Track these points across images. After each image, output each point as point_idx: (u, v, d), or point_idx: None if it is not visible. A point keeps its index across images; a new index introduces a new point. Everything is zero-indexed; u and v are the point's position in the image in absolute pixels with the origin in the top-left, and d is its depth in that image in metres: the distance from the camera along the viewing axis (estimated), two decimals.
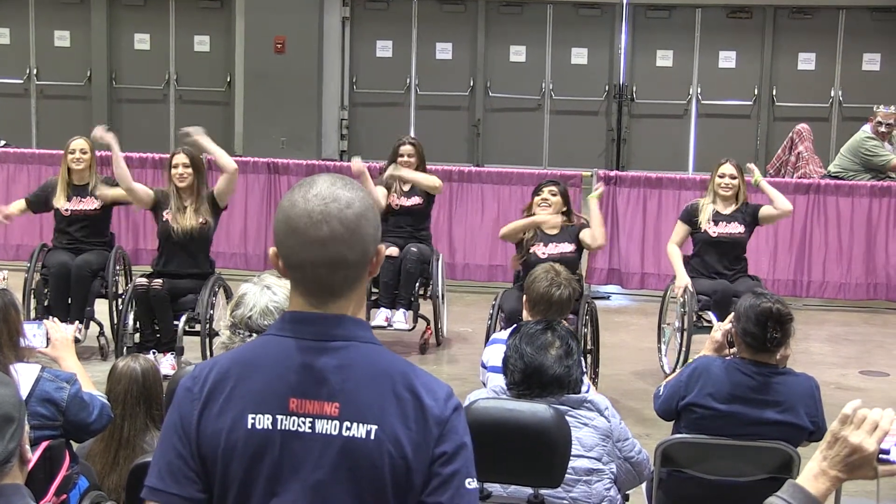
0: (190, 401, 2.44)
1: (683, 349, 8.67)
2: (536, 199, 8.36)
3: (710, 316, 8.54)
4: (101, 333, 9.09)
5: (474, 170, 12.45)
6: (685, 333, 8.68)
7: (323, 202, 2.40)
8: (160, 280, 8.50)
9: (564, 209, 8.35)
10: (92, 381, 4.79)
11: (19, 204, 9.40)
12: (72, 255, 9.04)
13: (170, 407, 2.50)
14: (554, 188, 8.38)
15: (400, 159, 9.66)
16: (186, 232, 8.56)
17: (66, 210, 9.15)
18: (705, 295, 8.68)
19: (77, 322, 8.50)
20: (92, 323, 9.04)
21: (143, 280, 8.53)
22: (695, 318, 8.63)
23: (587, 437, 4.34)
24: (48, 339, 4.81)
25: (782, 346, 4.89)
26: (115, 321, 8.88)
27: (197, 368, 2.51)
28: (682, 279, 8.72)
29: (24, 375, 4.41)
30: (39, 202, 9.31)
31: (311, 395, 2.38)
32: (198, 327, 8.42)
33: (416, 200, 9.63)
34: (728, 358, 5.01)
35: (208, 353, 8.28)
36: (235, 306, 4.06)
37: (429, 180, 9.64)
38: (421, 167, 9.70)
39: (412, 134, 17.49)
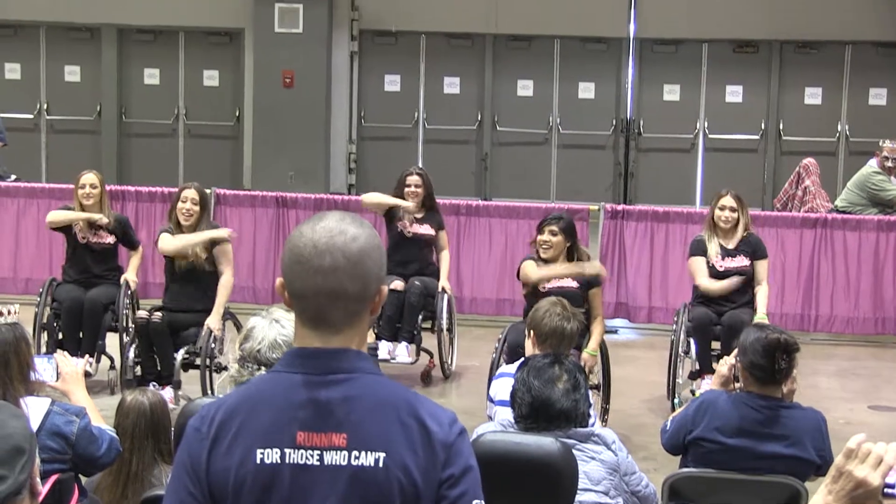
0: (199, 440, 2.48)
1: (671, 374, 8.82)
2: (539, 238, 8.23)
3: (691, 343, 8.69)
4: (112, 367, 9.10)
5: (482, 204, 12.47)
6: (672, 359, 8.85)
7: (329, 234, 2.46)
8: (160, 313, 8.52)
9: (568, 245, 8.23)
10: (101, 414, 4.81)
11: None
12: (83, 290, 9.06)
13: (179, 446, 2.54)
14: (554, 227, 8.12)
15: (407, 189, 9.64)
16: (188, 266, 8.58)
17: (83, 238, 9.16)
18: (689, 322, 8.74)
19: (88, 356, 8.53)
20: (103, 357, 9.05)
21: (144, 313, 8.54)
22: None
23: (594, 471, 4.35)
24: (58, 372, 4.83)
25: (790, 376, 4.90)
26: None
27: (205, 408, 2.55)
28: (732, 281, 8.73)
29: (35, 409, 4.43)
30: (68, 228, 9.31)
31: (319, 427, 2.43)
32: (198, 361, 8.42)
33: (427, 229, 9.62)
34: (735, 392, 5.02)
35: (208, 387, 8.28)
36: (244, 339, 4.08)
37: (447, 261, 9.74)
38: (428, 199, 9.68)
39: (418, 167, 17.54)
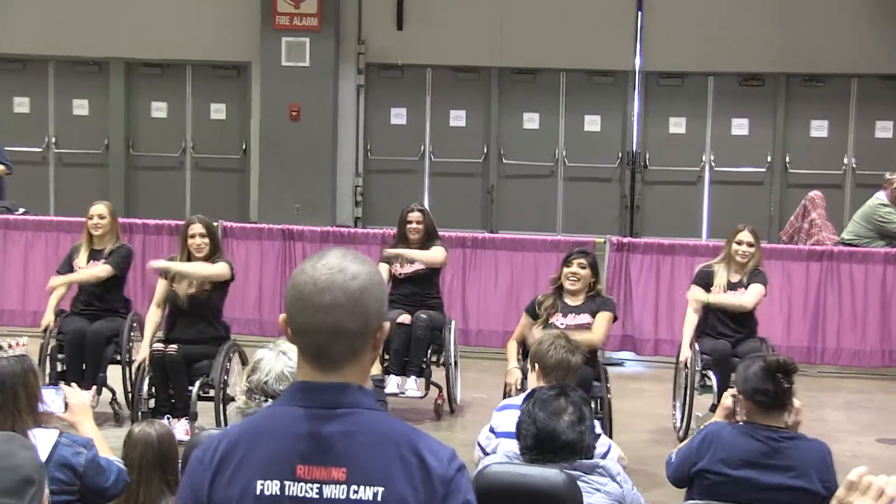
0: (202, 471, 2.53)
1: (686, 408, 8.82)
2: (566, 270, 8.32)
3: (711, 376, 8.66)
4: (114, 399, 9.13)
5: (488, 236, 12.52)
6: (687, 392, 8.84)
7: (329, 272, 2.50)
8: (175, 346, 8.56)
9: (593, 280, 8.35)
10: (108, 446, 4.83)
11: (58, 292, 9.40)
12: (87, 322, 9.12)
13: (183, 478, 2.58)
14: (583, 260, 8.29)
15: (408, 225, 9.72)
16: (190, 299, 8.61)
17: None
18: (706, 354, 8.78)
19: (91, 387, 8.58)
20: (105, 389, 9.09)
21: (160, 345, 8.58)
22: (698, 378, 8.75)
23: (599, 503, 4.37)
24: (66, 404, 4.85)
25: (792, 398, 4.92)
26: (129, 387, 8.95)
27: (209, 440, 2.60)
28: (684, 353, 8.89)
29: (42, 440, 4.46)
30: (70, 270, 9.37)
31: (318, 461, 2.46)
32: (212, 393, 8.46)
33: (416, 266, 9.67)
34: (739, 423, 5.03)
35: (222, 419, 8.31)
36: (251, 371, 4.12)
37: (430, 256, 9.64)
38: (429, 235, 9.75)
39: (426, 200, 17.63)
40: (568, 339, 5.83)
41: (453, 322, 9.89)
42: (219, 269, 8.68)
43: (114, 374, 9.13)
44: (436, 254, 9.65)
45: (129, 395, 9.00)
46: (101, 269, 9.16)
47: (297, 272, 2.54)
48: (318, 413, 2.48)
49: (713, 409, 8.81)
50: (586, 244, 11.27)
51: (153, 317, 8.78)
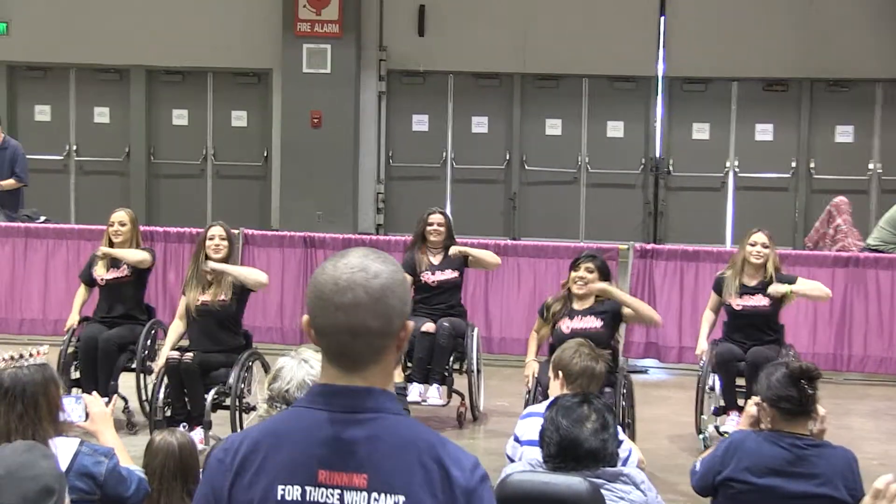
0: (222, 472, 2.51)
1: (697, 409, 9.01)
2: (573, 274, 8.33)
3: (715, 379, 8.91)
4: (127, 407, 9.17)
5: (510, 243, 12.51)
6: (697, 395, 9.04)
7: (350, 271, 2.48)
8: (191, 353, 8.58)
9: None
10: (129, 455, 4.84)
11: (80, 293, 9.58)
12: (105, 329, 9.18)
13: (202, 478, 2.57)
14: (591, 264, 8.31)
15: (429, 228, 9.78)
16: (201, 308, 8.65)
17: (102, 279, 9.38)
18: (739, 360, 8.80)
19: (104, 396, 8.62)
20: (117, 397, 9.12)
21: (176, 353, 8.61)
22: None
23: None
24: (87, 413, 4.87)
25: (816, 403, 4.90)
26: (143, 395, 9.03)
27: (228, 440, 2.59)
28: (700, 346, 8.99)
29: (63, 450, 4.47)
30: (89, 278, 9.50)
31: (340, 466, 2.44)
32: (228, 401, 8.48)
33: (449, 275, 9.71)
34: (763, 432, 5.01)
35: (238, 428, 8.32)
36: (273, 380, 4.12)
37: (492, 258, 9.94)
38: (449, 239, 9.81)
39: (448, 207, 17.64)
40: (591, 347, 5.83)
41: (476, 329, 9.89)
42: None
43: (129, 382, 9.16)
44: (495, 257, 9.97)
45: (144, 403, 9.04)
46: (139, 253, 9.29)
47: (318, 271, 2.52)
48: (340, 417, 2.46)
49: (716, 412, 8.86)
50: (609, 251, 11.26)
51: (175, 327, 8.84)
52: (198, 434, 8.38)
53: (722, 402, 8.84)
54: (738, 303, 8.92)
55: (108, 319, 9.29)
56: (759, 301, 8.89)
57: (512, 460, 5.35)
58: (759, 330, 8.90)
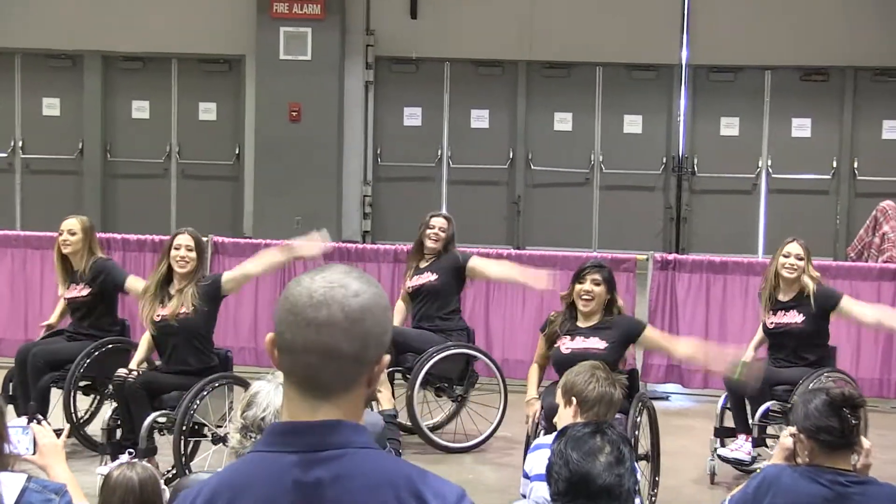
0: None
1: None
2: (578, 287, 8.30)
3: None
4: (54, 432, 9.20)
5: (514, 253, 12.52)
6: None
7: (329, 285, 2.48)
8: (136, 372, 8.56)
9: (608, 297, 8.32)
10: (83, 492, 4.84)
11: (60, 306, 9.68)
12: (48, 343, 9.36)
13: None
14: (597, 276, 8.25)
15: (429, 230, 9.84)
16: (167, 325, 8.63)
17: (66, 299, 9.49)
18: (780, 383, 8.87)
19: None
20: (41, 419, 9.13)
21: (123, 371, 8.59)
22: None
23: None
24: (35, 444, 4.87)
25: (860, 435, 4.91)
26: (71, 418, 9.11)
27: (181, 497, 2.58)
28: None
29: (8, 486, 4.46)
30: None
31: None
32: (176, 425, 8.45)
33: (426, 278, 9.79)
34: (799, 466, 5.02)
35: (182, 460, 8.28)
36: (247, 406, 4.12)
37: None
38: (448, 245, 9.86)
39: (444, 212, 17.62)
40: (607, 370, 5.84)
41: (446, 354, 9.72)
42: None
43: (81, 404, 9.25)
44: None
45: (76, 427, 9.11)
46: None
47: (292, 283, 2.51)
48: (304, 458, 2.45)
49: (718, 433, 8.99)
50: (626, 262, 11.27)
51: (147, 339, 8.85)
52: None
53: (719, 424, 9.06)
54: (770, 320, 8.98)
55: (75, 334, 9.40)
56: (793, 318, 8.91)
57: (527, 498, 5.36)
58: (795, 349, 8.94)
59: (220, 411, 8.57)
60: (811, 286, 8.91)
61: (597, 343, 8.13)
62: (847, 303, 9.00)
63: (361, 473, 2.46)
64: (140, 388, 8.48)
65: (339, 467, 2.45)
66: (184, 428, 8.29)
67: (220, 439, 8.37)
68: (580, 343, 8.12)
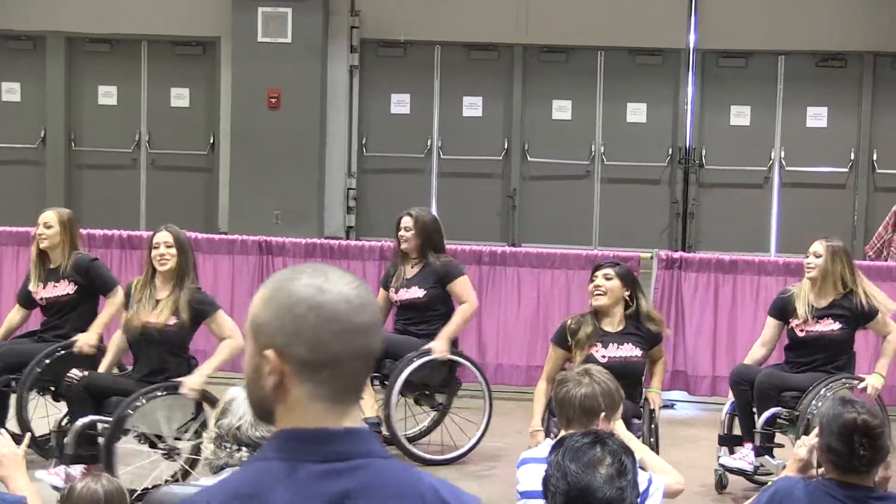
0: None
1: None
2: (590, 285, 8.33)
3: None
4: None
5: (509, 250, 12.51)
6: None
7: (351, 284, 2.50)
8: (80, 373, 8.54)
9: (626, 294, 8.31)
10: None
11: (10, 315, 9.66)
12: (14, 345, 9.35)
13: None
14: (609, 271, 8.25)
15: (399, 233, 9.84)
16: (150, 331, 8.62)
17: (42, 298, 9.44)
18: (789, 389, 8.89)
19: None
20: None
21: (76, 372, 8.58)
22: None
23: None
24: None
25: (874, 466, 4.91)
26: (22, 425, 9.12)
27: None
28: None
29: None
30: (27, 296, 9.57)
31: None
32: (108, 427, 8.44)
33: (414, 293, 9.81)
34: (814, 480, 5.03)
35: (112, 463, 8.26)
36: (221, 414, 4.12)
37: (466, 315, 9.91)
38: (429, 247, 9.83)
39: (434, 206, 17.64)
40: (599, 369, 5.85)
41: (429, 359, 9.72)
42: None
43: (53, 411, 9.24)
44: (465, 311, 9.93)
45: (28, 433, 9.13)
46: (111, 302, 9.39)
47: (308, 293, 2.46)
48: (326, 468, 2.44)
49: (721, 440, 9.03)
50: (629, 260, 11.28)
51: (116, 341, 8.85)
52: (63, 471, 8.28)
53: (727, 431, 9.11)
54: (802, 328, 8.93)
55: (48, 336, 9.38)
56: (828, 325, 8.90)
57: None
58: (823, 357, 8.94)
59: (177, 422, 8.57)
60: (863, 300, 8.91)
61: (632, 351, 8.16)
62: (881, 321, 9.04)
63: (389, 484, 2.47)
64: (83, 390, 8.48)
65: (364, 477, 2.46)
66: (113, 434, 8.28)
67: (172, 452, 8.38)
68: (615, 351, 8.12)
